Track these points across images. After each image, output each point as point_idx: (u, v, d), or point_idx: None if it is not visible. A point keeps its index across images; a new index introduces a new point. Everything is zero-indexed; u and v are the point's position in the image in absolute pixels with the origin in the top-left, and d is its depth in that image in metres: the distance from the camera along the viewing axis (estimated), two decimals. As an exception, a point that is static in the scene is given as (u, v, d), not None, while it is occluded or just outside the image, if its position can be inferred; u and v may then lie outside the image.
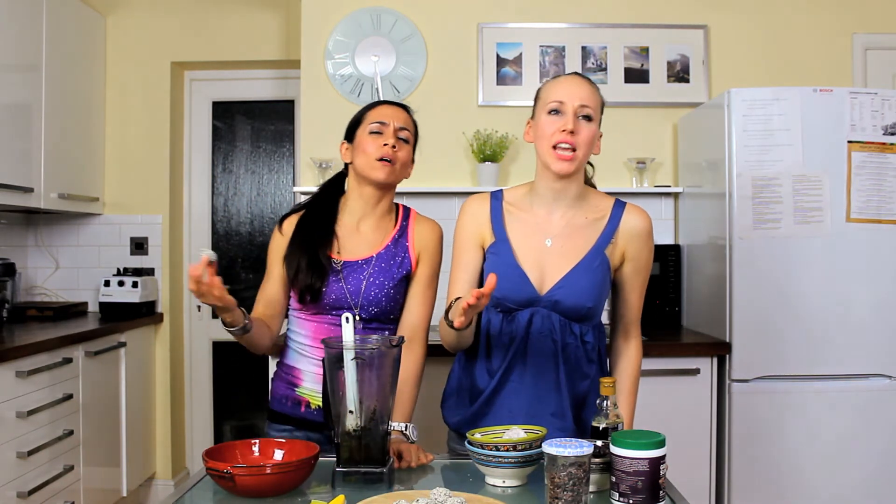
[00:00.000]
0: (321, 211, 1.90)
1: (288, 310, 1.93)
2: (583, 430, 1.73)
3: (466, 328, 1.63)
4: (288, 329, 1.94)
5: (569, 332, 1.71)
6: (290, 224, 1.89)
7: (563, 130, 1.62)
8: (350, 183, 1.91)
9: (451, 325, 1.60)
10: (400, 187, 3.33)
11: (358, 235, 1.87)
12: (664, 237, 3.43)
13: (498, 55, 3.45)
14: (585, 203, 1.74)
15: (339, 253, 1.85)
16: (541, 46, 3.45)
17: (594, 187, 1.84)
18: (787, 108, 2.76)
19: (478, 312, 1.60)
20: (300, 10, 3.48)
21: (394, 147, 1.82)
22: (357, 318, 1.81)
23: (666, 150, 3.47)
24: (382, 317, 1.85)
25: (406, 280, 1.88)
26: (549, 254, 1.70)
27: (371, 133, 1.84)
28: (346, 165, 1.93)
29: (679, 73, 3.46)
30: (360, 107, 1.95)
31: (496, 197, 1.79)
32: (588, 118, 1.64)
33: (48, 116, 3.28)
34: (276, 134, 4.09)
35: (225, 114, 4.09)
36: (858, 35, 3.48)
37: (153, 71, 3.82)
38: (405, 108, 1.92)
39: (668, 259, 3.27)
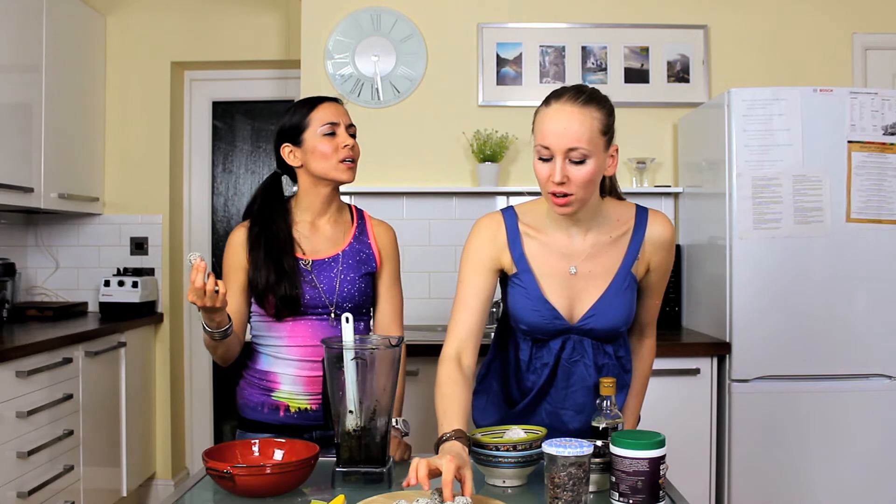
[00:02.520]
0: (273, 219, 1.85)
1: (251, 318, 1.90)
2: None
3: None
4: (254, 335, 1.89)
5: (602, 353, 1.68)
6: (240, 238, 1.85)
7: (555, 182, 1.50)
8: (303, 184, 1.87)
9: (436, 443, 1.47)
10: (400, 187, 3.38)
11: (317, 234, 1.87)
12: (664, 237, 3.42)
13: (498, 55, 3.44)
14: (606, 219, 1.64)
15: (304, 253, 1.84)
16: (541, 46, 3.45)
17: (620, 196, 1.74)
18: (787, 108, 2.76)
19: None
20: (300, 10, 3.48)
21: (354, 146, 1.84)
22: (332, 315, 1.82)
23: (666, 150, 3.46)
24: (356, 311, 1.84)
25: (370, 276, 1.89)
26: (575, 281, 1.62)
27: (324, 135, 1.82)
28: (282, 167, 1.90)
29: (679, 73, 3.46)
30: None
31: (510, 218, 1.67)
32: (580, 161, 1.48)
33: (48, 116, 3.27)
34: (276, 134, 4.09)
35: (225, 114, 4.09)
36: (858, 35, 3.48)
37: (153, 71, 3.82)
38: (341, 101, 1.92)
39: (668, 259, 3.27)
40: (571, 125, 1.48)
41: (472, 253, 1.67)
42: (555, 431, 1.68)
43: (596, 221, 1.63)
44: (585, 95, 1.52)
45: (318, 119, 1.83)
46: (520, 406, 1.73)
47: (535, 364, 1.69)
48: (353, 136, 1.87)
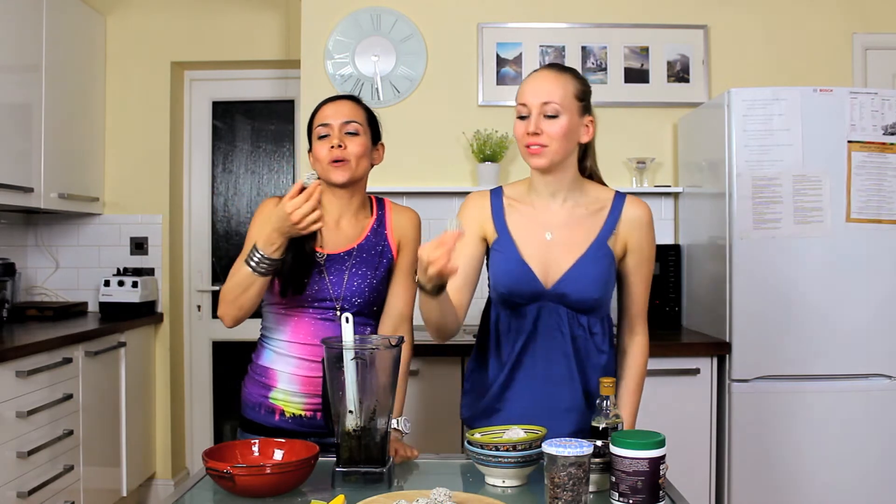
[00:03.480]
0: None
1: (262, 307, 1.89)
2: None
3: (441, 292, 1.54)
4: (262, 328, 1.90)
5: (577, 324, 1.72)
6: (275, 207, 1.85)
7: (528, 133, 1.66)
8: (322, 186, 1.88)
9: (422, 287, 1.53)
10: (400, 187, 3.38)
11: (338, 231, 1.87)
12: (664, 237, 3.43)
13: (498, 55, 3.45)
14: (584, 195, 1.75)
15: (321, 246, 1.84)
16: (541, 46, 3.45)
17: (602, 183, 1.82)
18: (787, 108, 2.76)
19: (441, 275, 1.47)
20: (300, 10, 3.48)
21: (340, 146, 1.80)
22: (337, 310, 1.81)
23: (666, 150, 3.47)
24: (366, 309, 1.84)
25: (390, 272, 1.88)
26: (551, 247, 1.71)
27: (319, 138, 1.83)
28: None
29: (679, 73, 3.46)
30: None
31: (496, 194, 1.80)
32: (553, 115, 1.65)
33: (48, 116, 3.27)
34: (276, 134, 4.09)
35: (225, 114, 4.09)
36: (858, 35, 3.48)
37: (153, 71, 3.82)
38: (351, 97, 1.89)
39: (668, 259, 3.27)
40: (546, 84, 1.67)
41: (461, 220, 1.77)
42: (538, 407, 1.71)
43: (574, 194, 1.74)
44: (561, 67, 1.72)
45: (316, 122, 1.85)
46: (500, 378, 1.75)
47: (512, 331, 1.74)
48: (355, 133, 1.83)
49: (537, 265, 1.71)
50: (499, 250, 1.74)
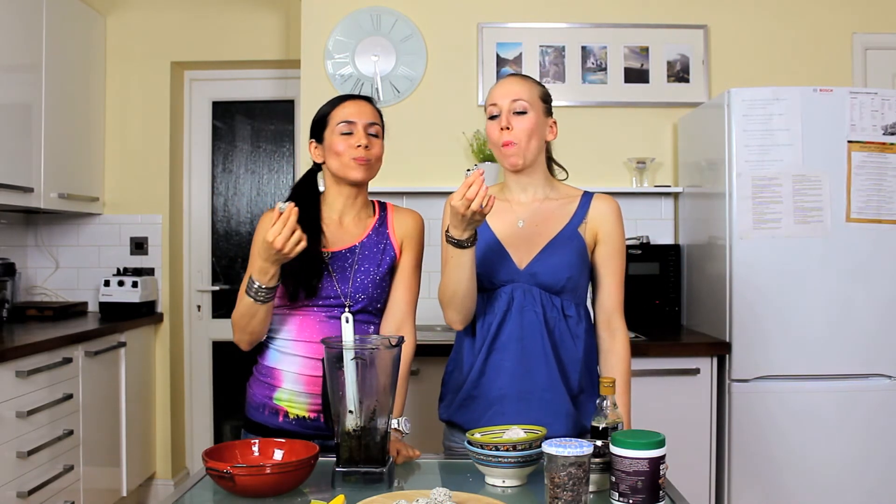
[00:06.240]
0: (306, 207, 1.85)
1: None
2: (576, 405, 1.79)
3: (474, 242, 1.65)
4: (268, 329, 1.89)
5: (550, 304, 1.78)
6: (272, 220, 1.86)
7: (501, 130, 1.76)
8: (327, 182, 1.91)
9: (453, 240, 1.64)
10: (400, 187, 3.38)
11: (341, 229, 1.88)
12: (664, 237, 3.43)
13: (498, 55, 3.45)
14: (555, 191, 1.87)
15: (325, 245, 1.84)
16: (541, 46, 3.45)
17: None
18: (786, 108, 2.76)
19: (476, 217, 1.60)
20: (300, 10, 3.48)
21: (367, 147, 1.82)
22: (345, 306, 1.81)
23: (666, 150, 3.47)
24: (370, 306, 1.84)
25: (392, 270, 1.89)
26: (523, 232, 1.82)
27: (341, 134, 1.83)
28: (316, 163, 1.93)
29: (679, 73, 3.46)
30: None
31: None
32: (522, 112, 1.76)
33: (48, 116, 3.28)
34: (276, 134, 4.09)
35: (225, 114, 4.09)
36: (858, 35, 3.48)
37: (153, 71, 3.82)
38: (369, 99, 1.91)
39: (668, 259, 3.27)
40: (514, 86, 1.79)
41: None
42: (514, 387, 1.75)
43: (544, 189, 1.85)
44: (525, 75, 1.86)
45: (337, 117, 1.85)
46: (476, 363, 1.79)
47: (487, 317, 1.80)
48: (376, 135, 1.86)
49: (511, 248, 1.80)
50: (478, 237, 1.79)
